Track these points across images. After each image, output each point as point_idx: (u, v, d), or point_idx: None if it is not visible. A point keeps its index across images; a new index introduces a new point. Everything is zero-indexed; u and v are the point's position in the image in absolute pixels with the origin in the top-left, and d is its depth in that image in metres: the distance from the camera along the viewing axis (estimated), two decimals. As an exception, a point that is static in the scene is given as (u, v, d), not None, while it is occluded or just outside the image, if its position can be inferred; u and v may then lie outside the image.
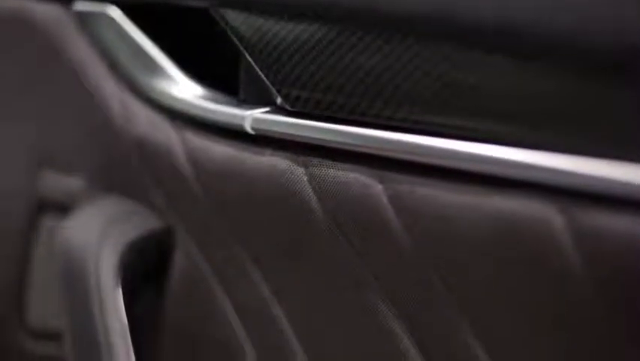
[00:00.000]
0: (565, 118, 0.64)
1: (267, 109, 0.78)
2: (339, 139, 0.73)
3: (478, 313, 0.68)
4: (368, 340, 0.75)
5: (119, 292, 0.82)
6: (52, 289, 0.91)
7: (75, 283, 0.84)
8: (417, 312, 0.71)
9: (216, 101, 0.83)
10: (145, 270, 0.86)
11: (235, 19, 0.79)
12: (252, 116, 0.78)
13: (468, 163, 0.67)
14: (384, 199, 0.70)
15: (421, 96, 0.69)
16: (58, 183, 0.96)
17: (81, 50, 0.92)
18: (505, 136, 0.66)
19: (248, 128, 0.78)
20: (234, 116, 0.79)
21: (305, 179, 0.75)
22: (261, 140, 0.78)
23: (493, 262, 0.66)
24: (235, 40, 0.80)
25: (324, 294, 0.76)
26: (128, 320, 0.82)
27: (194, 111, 0.83)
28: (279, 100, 0.77)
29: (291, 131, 0.76)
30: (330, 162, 0.74)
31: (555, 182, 0.63)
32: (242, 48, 0.79)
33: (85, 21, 0.92)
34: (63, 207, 0.94)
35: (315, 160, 0.75)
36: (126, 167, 0.89)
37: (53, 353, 0.95)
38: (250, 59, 0.79)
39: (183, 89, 0.85)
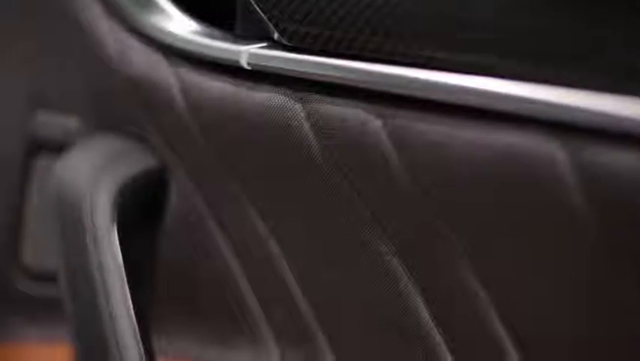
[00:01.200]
0: (566, 51, 0.63)
1: (264, 44, 0.77)
2: (337, 74, 0.72)
3: (478, 250, 0.67)
4: (366, 278, 0.74)
5: (114, 230, 0.81)
6: (47, 229, 0.90)
7: (70, 222, 0.83)
8: (416, 249, 0.70)
9: (212, 37, 0.81)
10: (141, 209, 0.85)
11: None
12: (249, 52, 0.77)
13: (468, 98, 0.66)
14: (383, 135, 0.69)
15: (421, 30, 0.68)
16: (53, 122, 0.95)
17: None
18: (507, 70, 0.65)
19: (244, 63, 0.77)
20: (230, 51, 0.78)
21: (302, 115, 0.74)
22: (258, 76, 0.77)
23: (493, 198, 0.65)
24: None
25: (321, 232, 0.76)
26: (124, 259, 0.81)
27: (189, 47, 0.82)
28: (275, 35, 0.76)
29: (288, 66, 0.74)
30: (328, 98, 0.73)
31: (557, 117, 0.62)
32: (238, -18, 0.78)
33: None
34: (58, 147, 0.92)
35: (313, 96, 0.73)
36: (121, 105, 0.87)
37: (48, 293, 0.95)
38: (246, -6, 0.78)
39: (178, 25, 0.84)
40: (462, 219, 0.67)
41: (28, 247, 0.98)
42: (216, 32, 0.82)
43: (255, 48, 0.77)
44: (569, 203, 0.61)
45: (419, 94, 0.68)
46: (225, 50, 0.79)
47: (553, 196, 0.62)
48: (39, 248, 0.97)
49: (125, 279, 0.80)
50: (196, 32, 0.82)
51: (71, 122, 0.93)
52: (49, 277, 0.92)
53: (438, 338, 0.72)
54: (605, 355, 0.64)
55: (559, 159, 0.61)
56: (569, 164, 0.61)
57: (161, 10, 0.85)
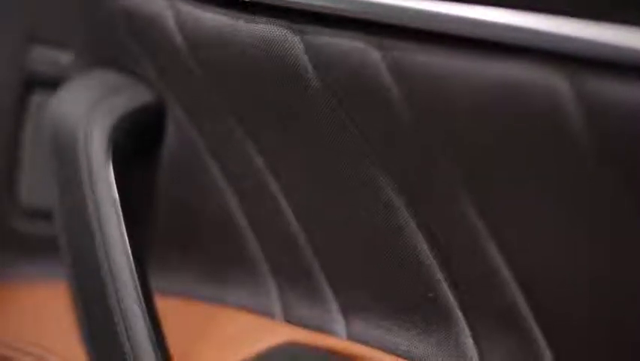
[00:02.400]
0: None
1: (261, -25, 0.75)
2: (336, 5, 0.71)
3: (479, 182, 0.66)
4: (366, 214, 0.73)
5: (110, 166, 0.80)
6: (42, 166, 0.89)
7: (65, 157, 0.82)
8: (417, 184, 0.69)
9: None
10: (137, 144, 0.84)
11: None
12: (246, -17, 0.75)
13: (470, 28, 0.64)
14: (383, 67, 0.68)
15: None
16: (47, 58, 0.94)
17: None
18: (509, 0, 0.64)
19: (241, -5, 0.76)
20: None
21: (301, 47, 0.72)
22: (255, 7, 0.75)
23: (495, 131, 0.64)
24: None
25: (321, 168, 0.75)
26: (120, 195, 0.80)
27: None
28: (273, -35, 0.75)
29: (286, -3, 0.73)
30: (327, 30, 0.71)
31: (561, 48, 0.61)
32: None
33: None
34: (53, 83, 0.91)
35: (311, 28, 0.72)
36: (116, 39, 0.86)
37: (44, 232, 0.94)
38: None
39: (174, -44, 0.82)
40: (462, 151, 0.66)
41: (24, 185, 0.97)
42: (213, -37, 0.80)
43: (252, -21, 0.75)
44: (570, 134, 0.60)
45: (419, 25, 0.67)
46: (222, -19, 0.77)
47: (555, 127, 0.61)
48: (35, 186, 0.97)
49: (121, 215, 0.79)
50: (191, -37, 0.81)
51: (65, 58, 0.92)
52: (46, 216, 0.91)
53: (438, 272, 0.71)
54: (605, 286, 0.63)
55: (561, 90, 0.60)
56: (571, 95, 0.60)
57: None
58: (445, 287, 0.71)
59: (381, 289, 0.75)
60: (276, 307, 0.82)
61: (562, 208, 0.63)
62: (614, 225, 0.62)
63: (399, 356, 0.75)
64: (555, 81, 0.61)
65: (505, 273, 0.67)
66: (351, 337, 0.78)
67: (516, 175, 0.64)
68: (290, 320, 0.81)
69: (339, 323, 0.78)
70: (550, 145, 0.62)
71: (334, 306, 0.78)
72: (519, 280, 0.67)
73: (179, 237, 0.87)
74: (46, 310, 0.93)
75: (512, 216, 0.66)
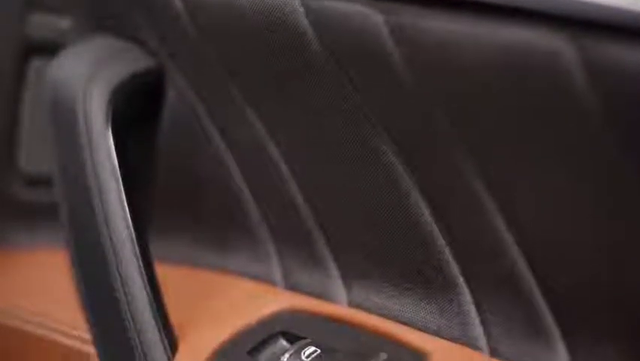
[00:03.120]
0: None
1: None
2: (338, -32, 0.70)
3: (481, 146, 0.65)
4: (366, 177, 0.73)
5: (110, 131, 0.79)
6: (42, 133, 0.89)
7: (64, 123, 0.81)
8: (418, 149, 0.69)
9: None
10: (137, 110, 0.84)
11: None
12: (246, -55, 0.74)
13: (473, -8, 0.64)
14: (386, 31, 0.67)
15: None
16: (47, 23, 0.93)
17: None
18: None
19: (242, -42, 0.75)
20: None
21: (301, 11, 0.71)
22: (255, -29, 0.75)
23: (498, 95, 0.63)
24: None
25: (321, 132, 0.74)
26: (119, 161, 0.79)
27: None
28: None
29: (288, -41, 0.72)
30: (329, -6, 0.70)
31: (564, 10, 0.60)
32: None
33: None
34: (52, 49, 0.90)
35: None
36: (116, 5, 0.85)
37: (44, 198, 0.93)
38: None
39: None
40: (464, 116, 0.65)
41: (24, 153, 0.97)
42: None
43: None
44: (573, 96, 0.60)
45: (422, -11, 0.66)
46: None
47: (558, 90, 0.60)
48: (35, 153, 0.96)
49: (121, 181, 0.78)
50: None
51: (65, 23, 0.91)
52: (46, 182, 0.91)
53: (440, 238, 0.70)
54: (606, 249, 0.63)
55: (564, 53, 0.60)
56: (574, 57, 0.59)
57: None
58: (447, 254, 0.71)
59: (382, 255, 0.74)
60: (277, 274, 0.82)
61: (565, 171, 0.63)
62: (616, 186, 0.61)
63: (400, 322, 0.74)
64: (558, 44, 0.60)
65: (508, 239, 0.67)
66: (352, 304, 0.77)
67: (518, 139, 0.64)
68: (291, 286, 0.81)
69: (340, 290, 0.78)
70: (553, 108, 0.61)
71: (335, 273, 0.78)
72: (521, 246, 0.67)
73: (180, 204, 0.86)
74: (46, 278, 0.92)
75: (515, 181, 0.65)
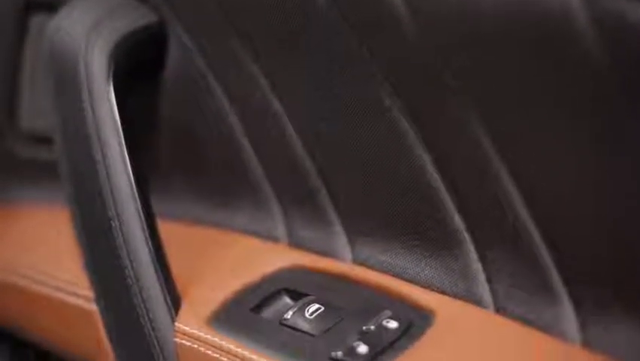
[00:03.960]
0: None
1: None
2: None
3: (487, 103, 0.64)
4: (371, 135, 0.72)
5: (111, 87, 0.79)
6: (43, 90, 0.88)
7: (65, 79, 0.80)
8: (423, 103, 0.68)
9: None
10: (138, 65, 0.83)
11: None
12: None
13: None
14: None
15: None
16: (46, -21, 0.92)
17: None
18: None
19: None
20: None
21: (306, -36, 0.70)
22: None
23: (503, 46, 0.62)
24: None
25: (325, 87, 0.73)
26: (122, 118, 0.78)
27: None
28: None
29: None
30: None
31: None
32: None
33: None
34: (53, 5, 0.89)
35: None
36: None
37: (45, 156, 0.93)
38: None
39: None
40: (472, 74, 0.64)
41: (25, 110, 0.96)
42: None
43: None
44: (582, 49, 0.59)
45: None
46: None
47: (567, 43, 0.59)
48: (36, 110, 0.95)
49: (123, 136, 0.77)
50: None
51: (66, -21, 0.90)
52: (47, 141, 0.90)
53: (444, 194, 0.70)
54: (610, 201, 0.62)
55: (574, 4, 0.58)
56: (585, 10, 0.58)
57: None
58: (452, 210, 0.70)
59: (387, 212, 0.74)
60: (281, 231, 0.81)
61: (570, 125, 0.62)
62: (621, 142, 0.60)
63: (405, 279, 0.74)
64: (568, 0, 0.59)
65: (513, 194, 0.66)
66: (356, 260, 0.77)
67: (523, 91, 0.63)
68: (294, 243, 0.80)
69: (344, 247, 0.77)
70: (561, 62, 0.60)
71: (339, 230, 0.77)
72: (527, 201, 0.66)
73: (183, 160, 0.86)
74: (47, 235, 0.92)
75: (520, 135, 0.64)
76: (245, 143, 0.80)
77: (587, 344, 0.66)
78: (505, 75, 0.63)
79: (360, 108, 0.72)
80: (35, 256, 0.91)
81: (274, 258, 0.79)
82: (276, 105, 0.76)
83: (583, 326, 0.66)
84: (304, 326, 0.71)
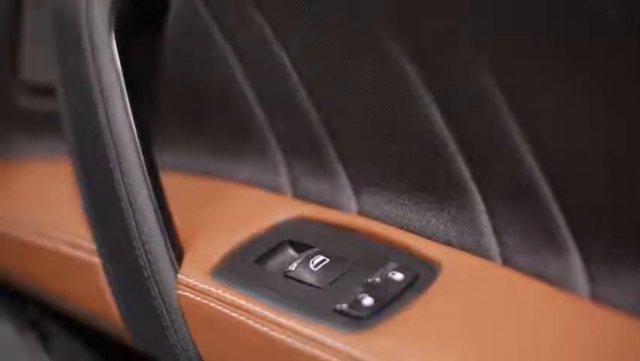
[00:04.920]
0: None
1: None
2: None
3: (498, 52, 0.63)
4: (379, 84, 0.71)
5: (113, 37, 0.77)
6: (45, 41, 0.87)
7: (67, 29, 0.79)
8: (432, 53, 0.67)
9: None
10: (140, 15, 0.81)
11: None
12: None
13: None
14: None
15: None
16: None
17: None
18: None
19: None
20: None
21: None
22: None
23: None
24: None
25: (332, 36, 0.72)
26: (124, 67, 0.77)
27: None
28: None
29: None
30: None
31: None
32: None
33: None
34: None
35: None
36: None
37: (49, 108, 0.92)
38: None
39: None
40: (481, 22, 0.63)
41: (27, 62, 0.95)
42: None
43: None
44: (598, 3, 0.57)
45: None
46: None
47: None
48: (37, 61, 0.94)
49: (124, 86, 0.76)
50: None
51: None
52: (49, 92, 0.89)
53: (452, 145, 0.68)
54: (620, 154, 0.61)
55: None
56: None
57: None
58: (459, 161, 0.69)
59: (393, 162, 0.73)
60: (285, 183, 0.80)
61: (583, 76, 0.61)
62: (633, 94, 0.59)
63: (411, 231, 0.73)
64: None
65: (523, 146, 0.65)
66: (361, 212, 0.76)
67: (535, 42, 0.62)
68: (299, 195, 0.79)
69: (349, 199, 0.76)
70: (574, 15, 0.59)
71: (345, 181, 0.76)
72: (537, 154, 0.65)
73: (185, 111, 0.85)
74: (49, 188, 0.92)
75: (531, 87, 0.63)
76: (248, 93, 0.79)
77: (595, 296, 0.65)
78: (516, 22, 0.62)
79: (368, 58, 0.70)
80: (36, 208, 0.91)
81: (278, 210, 0.78)
82: (280, 54, 0.75)
83: (591, 278, 0.65)
84: (308, 278, 0.70)
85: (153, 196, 0.75)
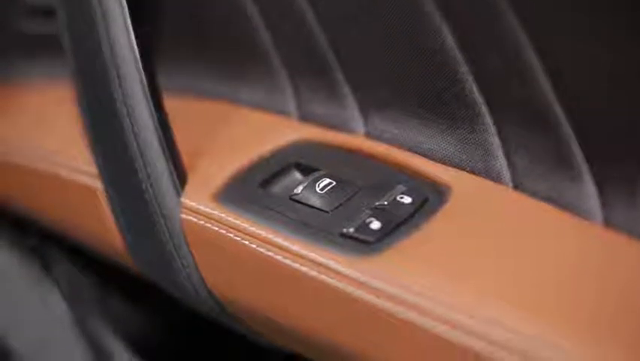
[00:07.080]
0: None
1: None
2: None
3: None
4: (386, 2, 0.68)
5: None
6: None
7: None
8: None
9: None
10: None
11: None
12: None
13: None
14: None
15: None
16: None
17: None
18: None
19: None
20: None
21: None
22: None
23: None
24: None
25: None
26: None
27: None
28: None
29: None
30: None
31: None
32: None
33: None
34: None
35: None
36: None
37: (47, 30, 0.90)
38: None
39: None
40: None
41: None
42: None
43: None
44: None
45: None
46: None
47: None
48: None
49: (126, 6, 0.74)
50: None
51: None
52: (49, 14, 0.87)
53: (463, 65, 0.66)
54: (632, 74, 0.59)
55: None
56: None
57: None
58: (470, 81, 0.67)
59: (401, 83, 0.71)
60: (291, 106, 0.78)
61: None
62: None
63: (419, 154, 0.71)
64: None
65: (536, 67, 0.63)
66: (369, 135, 0.74)
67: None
68: (305, 117, 0.78)
69: (356, 121, 0.75)
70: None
71: (352, 103, 0.75)
72: (550, 75, 0.63)
73: (189, 31, 0.83)
74: (49, 112, 0.90)
75: (546, 10, 0.61)
76: (254, 12, 0.77)
77: (608, 222, 0.64)
78: None
79: None
80: (37, 133, 0.90)
81: (284, 132, 0.76)
82: None
83: (605, 204, 0.64)
84: (315, 202, 0.69)
85: (156, 119, 0.74)
